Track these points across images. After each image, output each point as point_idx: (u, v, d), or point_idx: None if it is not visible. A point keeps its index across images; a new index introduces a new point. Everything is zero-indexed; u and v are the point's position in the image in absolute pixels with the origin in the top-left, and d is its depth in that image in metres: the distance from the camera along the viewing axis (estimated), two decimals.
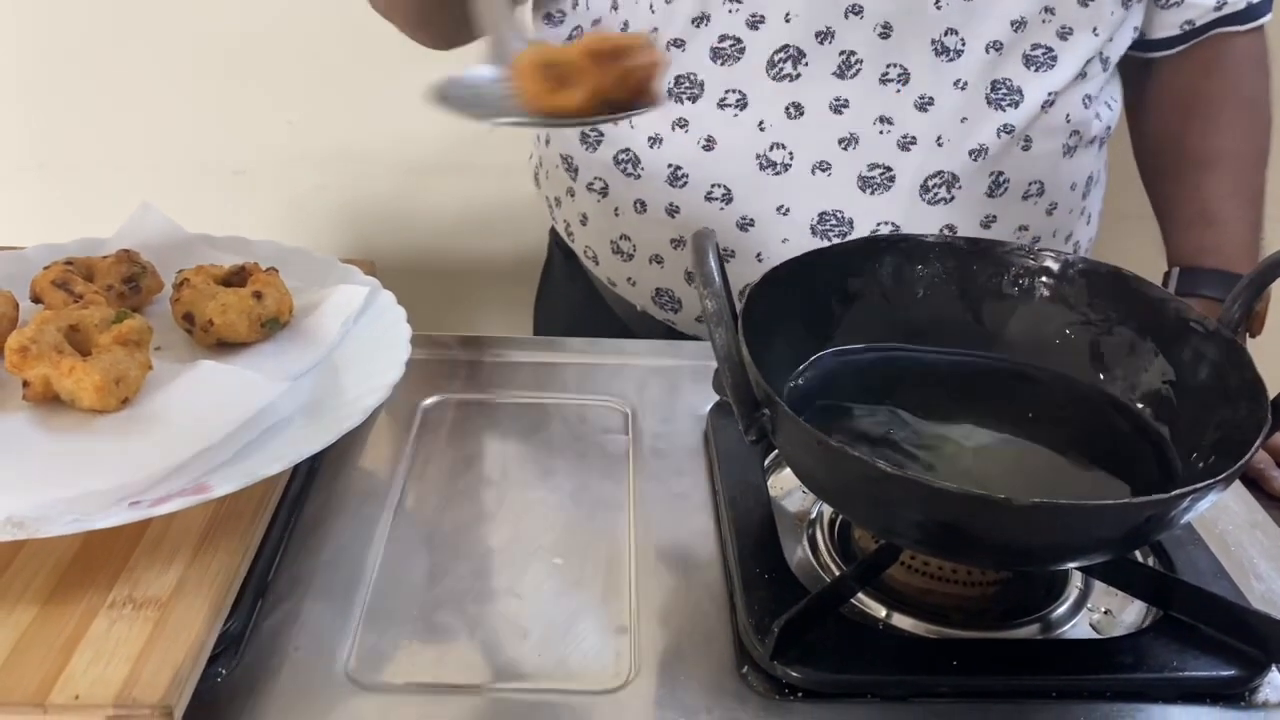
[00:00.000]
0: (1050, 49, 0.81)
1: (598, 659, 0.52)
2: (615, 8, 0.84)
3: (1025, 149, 0.82)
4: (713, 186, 0.82)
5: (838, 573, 0.57)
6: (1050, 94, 0.81)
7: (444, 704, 0.49)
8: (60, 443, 0.54)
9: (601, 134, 0.87)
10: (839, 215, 0.82)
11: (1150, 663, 0.52)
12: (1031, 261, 0.65)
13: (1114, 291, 0.63)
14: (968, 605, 0.56)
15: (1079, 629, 0.56)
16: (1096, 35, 0.82)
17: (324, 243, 1.27)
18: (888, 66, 0.79)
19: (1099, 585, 0.58)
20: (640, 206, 0.86)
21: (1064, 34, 0.81)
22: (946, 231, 0.82)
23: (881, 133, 0.80)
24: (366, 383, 0.58)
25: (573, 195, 0.91)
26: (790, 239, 0.83)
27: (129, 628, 0.45)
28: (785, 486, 0.64)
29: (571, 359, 0.76)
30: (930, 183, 0.81)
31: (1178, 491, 0.46)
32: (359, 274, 0.68)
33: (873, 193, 0.81)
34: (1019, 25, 0.79)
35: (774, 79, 0.79)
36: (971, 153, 0.81)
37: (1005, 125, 0.80)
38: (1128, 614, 0.57)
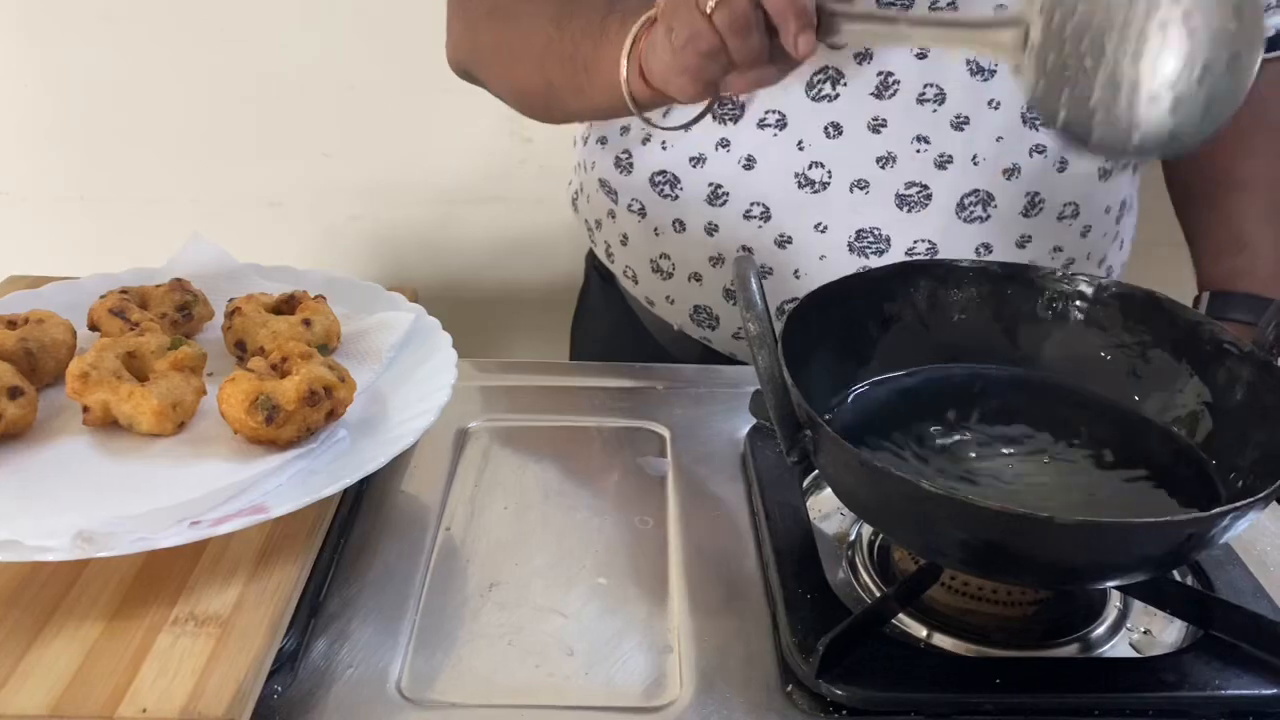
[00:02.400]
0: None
1: (644, 677, 0.52)
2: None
3: (1060, 170, 0.83)
4: (751, 205, 0.84)
5: (878, 594, 0.58)
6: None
7: None
8: (120, 465, 0.56)
9: (631, 159, 0.89)
10: (876, 233, 0.83)
11: (1192, 681, 0.52)
12: (1066, 286, 0.66)
13: (1148, 314, 0.63)
14: (1008, 625, 0.57)
15: (1119, 649, 0.56)
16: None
17: (359, 273, 1.29)
18: (924, 86, 0.80)
19: (1138, 605, 0.58)
20: (679, 226, 0.87)
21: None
22: (982, 250, 0.83)
23: (919, 151, 0.81)
24: (416, 405, 0.60)
25: (614, 217, 0.93)
26: (828, 256, 0.84)
27: (192, 643, 0.47)
28: (824, 509, 0.65)
29: (609, 383, 0.77)
30: (966, 201, 0.82)
31: (1219, 510, 0.47)
32: (403, 300, 0.70)
33: (910, 211, 0.82)
34: None
35: (813, 99, 0.80)
36: (1006, 172, 0.82)
37: (1038, 145, 0.81)
38: (1167, 634, 0.57)
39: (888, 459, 0.58)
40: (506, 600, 0.57)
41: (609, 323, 1.00)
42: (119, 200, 1.33)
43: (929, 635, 0.56)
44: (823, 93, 0.80)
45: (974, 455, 0.61)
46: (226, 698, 0.44)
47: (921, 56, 0.80)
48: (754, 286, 0.52)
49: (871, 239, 0.83)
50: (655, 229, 0.89)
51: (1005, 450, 0.61)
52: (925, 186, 0.81)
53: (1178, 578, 0.59)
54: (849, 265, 0.84)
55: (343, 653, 0.53)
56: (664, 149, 0.86)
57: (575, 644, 0.54)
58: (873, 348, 0.65)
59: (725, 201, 0.85)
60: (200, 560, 0.51)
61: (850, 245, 0.84)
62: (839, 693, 0.51)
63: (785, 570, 0.57)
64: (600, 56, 0.74)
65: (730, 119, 0.82)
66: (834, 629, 0.51)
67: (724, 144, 0.83)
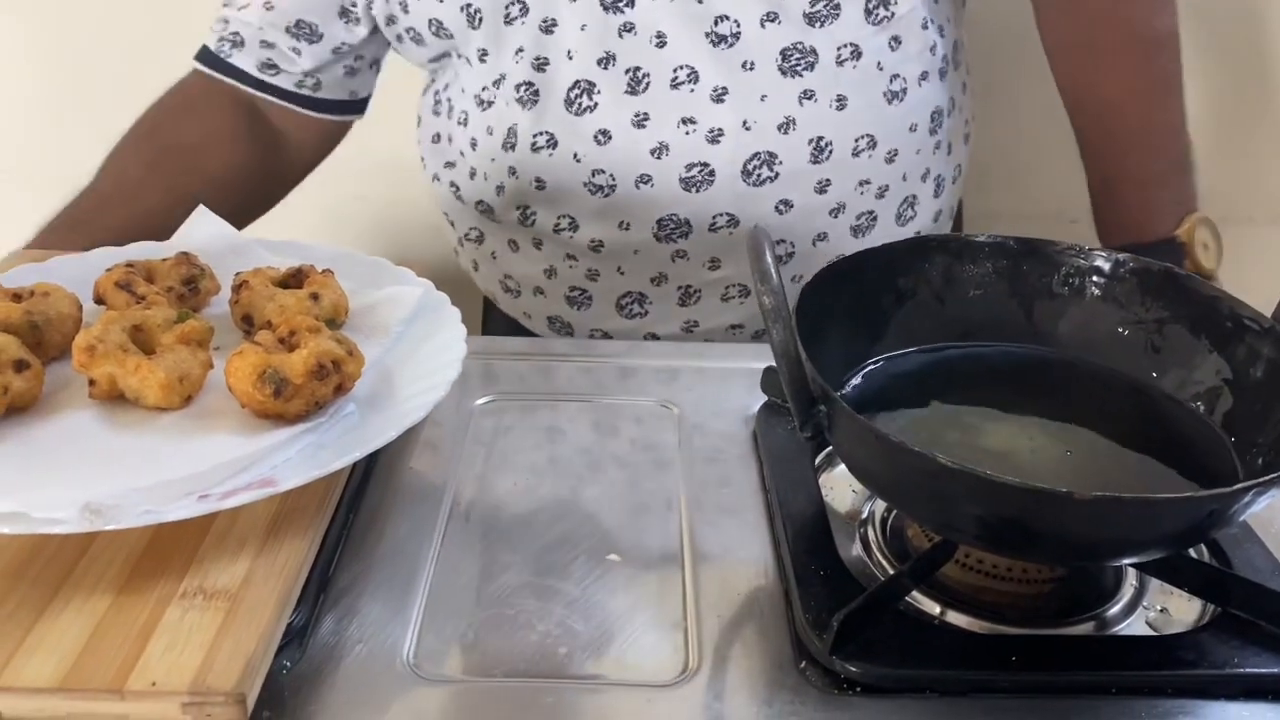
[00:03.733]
0: (830, 0, 0.81)
1: (655, 653, 0.52)
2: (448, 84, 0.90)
3: (840, 108, 0.83)
4: (559, 218, 0.87)
5: (892, 571, 0.58)
6: (842, 46, 0.81)
7: (506, 696, 0.49)
8: (126, 439, 0.55)
9: (458, 188, 0.92)
10: (675, 218, 0.85)
11: (1211, 659, 0.51)
12: (1082, 261, 0.65)
13: (1166, 289, 0.62)
14: (1023, 603, 0.56)
15: (1135, 627, 0.56)
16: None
17: (363, 251, 1.29)
18: (674, 70, 0.81)
19: (1154, 583, 0.58)
20: (513, 246, 0.91)
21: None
22: (783, 207, 0.85)
23: (688, 134, 0.82)
24: (426, 380, 0.59)
25: (462, 244, 0.98)
26: (640, 250, 0.87)
27: (201, 617, 0.46)
28: (835, 485, 0.64)
29: (618, 360, 0.77)
30: (750, 166, 0.82)
31: (1241, 485, 0.46)
32: (411, 275, 0.69)
33: (697, 191, 0.83)
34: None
35: (575, 114, 0.82)
36: (779, 127, 0.82)
37: (805, 91, 0.81)
38: (1184, 612, 0.57)
39: (901, 435, 0.57)
40: (517, 576, 0.56)
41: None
42: None
43: (942, 612, 0.56)
44: (583, 106, 0.82)
45: (988, 431, 0.60)
46: (236, 671, 0.44)
47: (661, 44, 0.80)
48: (768, 259, 0.51)
49: (673, 224, 0.85)
50: (493, 253, 0.94)
51: (1020, 427, 0.61)
52: (705, 164, 0.82)
53: (1194, 555, 0.59)
54: (663, 252, 0.87)
55: (352, 628, 0.52)
56: (484, 180, 0.89)
57: (586, 620, 0.54)
58: (887, 323, 0.64)
59: (534, 219, 0.87)
60: (208, 534, 0.51)
61: (656, 235, 0.86)
62: (853, 669, 0.50)
63: (798, 547, 0.57)
64: None
65: (509, 147, 0.85)
66: (848, 606, 0.51)
67: (512, 172, 0.86)
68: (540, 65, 0.82)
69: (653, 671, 0.51)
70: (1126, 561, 0.56)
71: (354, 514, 0.60)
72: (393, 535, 0.59)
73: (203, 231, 0.73)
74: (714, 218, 0.84)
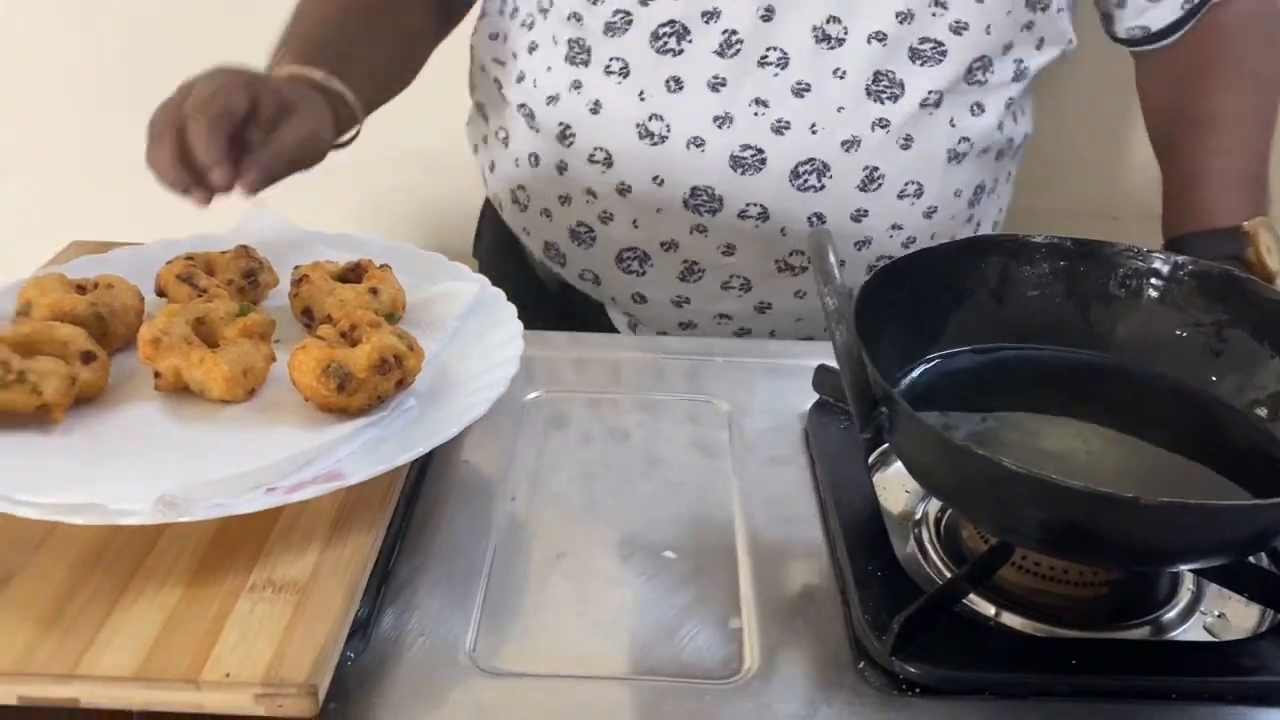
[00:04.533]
0: (940, 44, 0.81)
1: (713, 651, 0.52)
2: None
3: (904, 147, 0.82)
4: (595, 149, 0.85)
5: (946, 572, 0.58)
6: (932, 92, 0.82)
7: (568, 690, 0.50)
8: (192, 431, 0.56)
9: (503, 90, 0.92)
10: (710, 191, 0.84)
11: (1271, 667, 0.51)
12: (1140, 263, 0.64)
13: (1226, 293, 0.62)
14: (1078, 606, 0.56)
15: (1192, 633, 0.56)
16: (989, 35, 0.82)
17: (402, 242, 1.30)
18: (767, 50, 0.80)
19: (1212, 588, 0.57)
20: (534, 160, 0.89)
21: (958, 29, 0.81)
22: (814, 219, 0.84)
23: (756, 115, 0.81)
24: (485, 376, 0.59)
25: (486, 142, 0.96)
26: (664, 210, 0.86)
27: (271, 609, 0.47)
28: (887, 485, 0.64)
29: (668, 357, 0.77)
30: (801, 169, 0.82)
31: None
32: (466, 271, 0.70)
33: (743, 173, 0.83)
34: (905, 18, 0.80)
35: (657, 52, 0.81)
36: (844, 144, 0.81)
37: (881, 119, 0.81)
38: (1242, 618, 0.56)
39: (958, 436, 0.57)
40: (574, 571, 0.57)
41: (492, 245, 1.03)
42: None
43: (997, 614, 0.56)
44: (667, 46, 0.81)
45: (1045, 434, 0.60)
46: (308, 663, 0.44)
47: (767, 18, 0.79)
48: (831, 260, 0.51)
49: (705, 197, 0.84)
50: (515, 160, 0.91)
51: (1075, 430, 0.61)
52: (760, 150, 0.82)
53: (1254, 561, 0.59)
54: (684, 221, 0.86)
55: (413, 621, 0.53)
56: (533, 85, 0.88)
57: (644, 616, 0.54)
58: (943, 323, 0.64)
59: (572, 142, 0.86)
60: (275, 527, 0.52)
61: (685, 201, 0.85)
62: (912, 671, 0.50)
63: (854, 547, 0.57)
64: None
65: (580, 62, 0.84)
66: (908, 607, 0.51)
67: (576, 85, 0.85)
68: None
69: (711, 669, 0.51)
70: (1187, 567, 0.56)
71: (411, 508, 0.60)
72: (449, 530, 0.59)
73: (260, 225, 0.74)
74: (747, 205, 0.84)
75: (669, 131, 0.82)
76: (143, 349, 0.57)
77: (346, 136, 0.79)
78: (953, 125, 0.84)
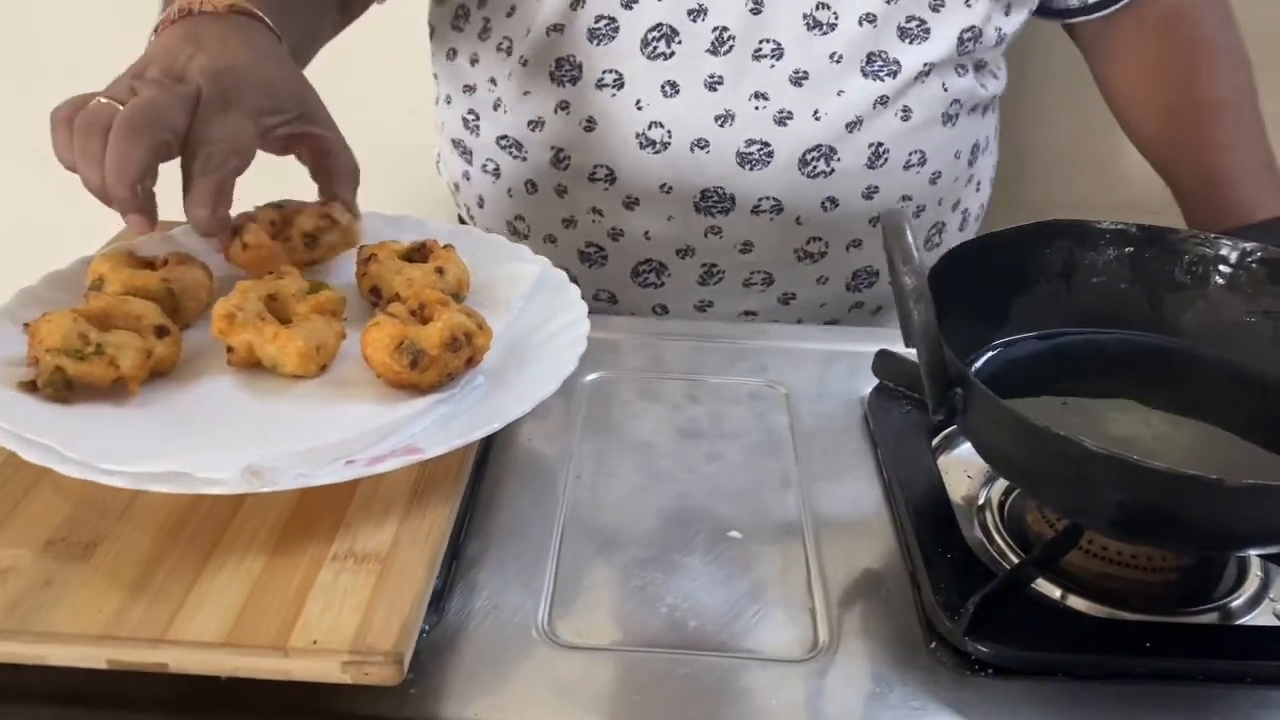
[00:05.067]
0: (923, 20, 0.81)
1: (785, 629, 0.53)
2: (510, 10, 0.85)
3: (904, 119, 0.82)
4: (595, 167, 0.84)
5: (1011, 556, 0.58)
6: (926, 64, 0.82)
7: (642, 665, 0.50)
8: (267, 405, 0.56)
9: (479, 120, 0.89)
10: (720, 191, 0.83)
11: None
12: (1207, 249, 0.64)
13: None
14: (1146, 590, 0.56)
15: (1262, 619, 0.55)
16: (969, 7, 0.82)
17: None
18: (760, 42, 0.80)
19: None
20: (531, 187, 0.88)
21: (936, 6, 0.81)
22: (828, 204, 0.84)
23: (757, 109, 0.81)
24: (553, 356, 0.60)
25: (469, 179, 0.94)
26: (675, 216, 0.84)
27: (354, 579, 0.47)
28: (950, 469, 0.64)
29: (722, 340, 0.77)
30: (809, 156, 0.81)
31: None
32: (527, 253, 0.70)
33: (751, 169, 0.82)
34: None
35: (649, 58, 0.80)
36: (849, 125, 0.81)
37: (881, 97, 0.81)
38: None
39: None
40: (642, 550, 0.57)
41: None
42: None
43: (1063, 596, 0.56)
44: (658, 50, 0.80)
45: (1110, 419, 0.60)
46: (393, 632, 0.45)
47: (756, 11, 0.79)
48: (909, 239, 0.51)
49: (716, 198, 0.83)
50: (509, 190, 0.89)
51: (1141, 415, 0.60)
52: (766, 144, 0.81)
53: None
54: (698, 225, 0.85)
55: (484, 596, 0.53)
56: (504, 113, 0.86)
57: (713, 595, 0.54)
58: (1009, 308, 0.64)
59: (569, 164, 0.84)
60: (354, 500, 0.52)
61: (696, 205, 0.84)
62: (985, 651, 0.50)
63: (923, 529, 0.57)
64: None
65: (569, 80, 0.82)
66: (981, 589, 0.51)
67: (563, 106, 0.83)
68: (629, 2, 0.80)
69: (784, 648, 0.52)
70: (1260, 551, 0.56)
71: (478, 485, 0.61)
72: (516, 507, 0.60)
73: None
74: (759, 200, 0.83)
75: (671, 137, 0.81)
76: (216, 324, 0.58)
77: None
78: (945, 89, 0.84)
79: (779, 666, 0.51)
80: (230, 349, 0.58)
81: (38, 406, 0.54)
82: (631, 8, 0.80)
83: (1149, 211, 1.07)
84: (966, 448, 0.65)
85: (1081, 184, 1.31)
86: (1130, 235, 0.65)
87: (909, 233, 0.52)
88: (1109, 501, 0.50)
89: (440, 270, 0.64)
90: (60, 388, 0.54)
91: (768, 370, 0.74)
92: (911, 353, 0.55)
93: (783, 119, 0.81)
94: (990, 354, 0.64)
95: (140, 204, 0.58)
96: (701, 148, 0.81)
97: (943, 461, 0.65)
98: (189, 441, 0.52)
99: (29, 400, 0.54)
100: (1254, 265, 0.63)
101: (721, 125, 0.81)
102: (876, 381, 0.70)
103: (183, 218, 0.77)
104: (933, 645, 0.52)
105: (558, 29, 0.82)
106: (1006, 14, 0.87)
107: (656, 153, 0.82)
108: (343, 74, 1.27)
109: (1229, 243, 0.64)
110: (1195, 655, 0.51)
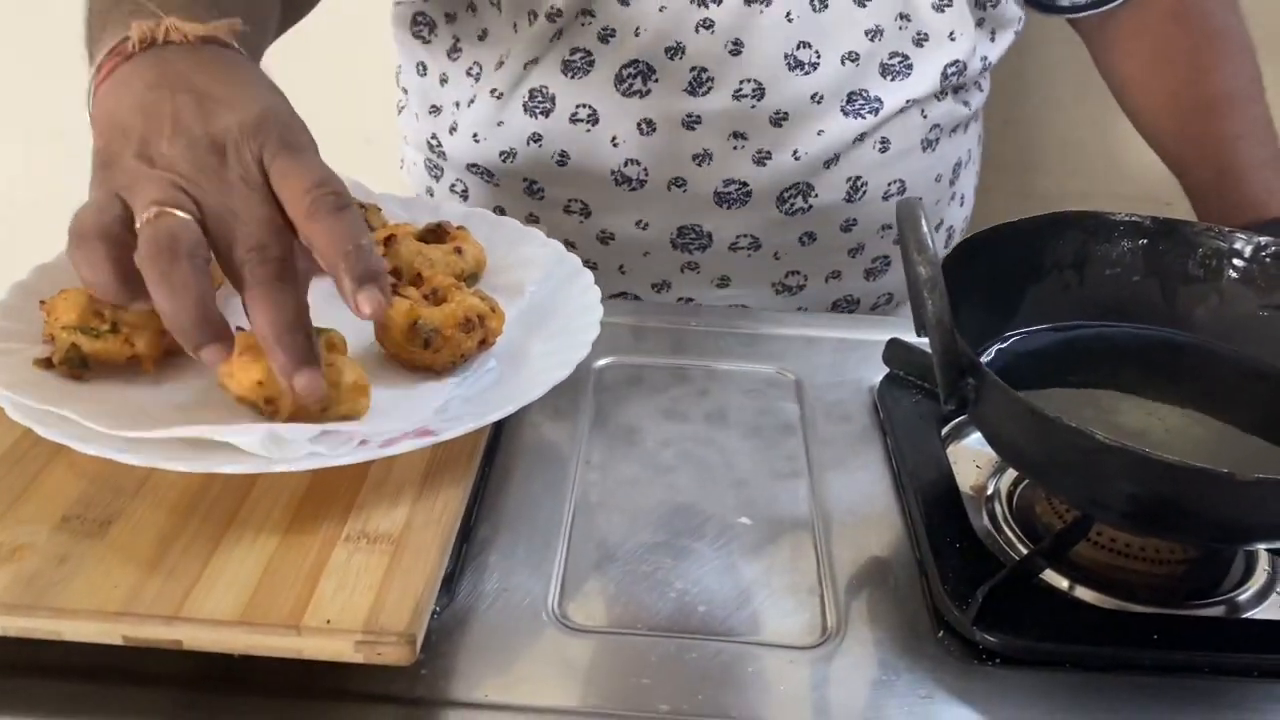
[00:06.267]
0: (906, 57, 0.80)
1: (794, 615, 0.53)
2: (482, 34, 0.83)
3: (882, 150, 0.81)
4: (570, 200, 0.82)
5: (1020, 546, 0.58)
6: (909, 100, 0.81)
7: (652, 649, 0.50)
8: None
9: (442, 146, 0.85)
10: (697, 229, 0.82)
11: None
12: (1221, 243, 0.64)
13: None
14: (1154, 582, 0.56)
15: (1271, 612, 0.56)
16: (954, 40, 0.81)
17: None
18: (741, 82, 0.78)
19: None
20: (500, 212, 0.84)
21: (919, 41, 0.80)
22: (806, 239, 0.83)
23: (735, 148, 0.79)
24: (565, 339, 0.60)
25: (432, 195, 0.92)
26: (651, 253, 0.83)
27: (367, 560, 0.48)
28: (959, 459, 0.64)
29: (732, 327, 0.77)
30: (786, 194, 0.81)
31: None
32: (541, 237, 0.70)
33: (729, 207, 0.81)
34: (875, 35, 0.79)
35: (624, 95, 0.78)
36: (826, 163, 0.80)
37: (860, 134, 0.80)
38: None
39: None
40: (651, 535, 0.57)
41: None
42: None
43: (1071, 587, 0.56)
44: (633, 88, 0.78)
45: (1122, 411, 0.60)
46: (406, 613, 0.45)
47: (735, 51, 0.77)
48: (924, 228, 0.51)
49: (694, 234, 0.82)
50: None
51: (1152, 409, 0.60)
52: (744, 184, 0.80)
53: None
54: (674, 261, 0.84)
55: (495, 577, 0.54)
56: (475, 141, 0.83)
57: (722, 580, 0.55)
58: (1021, 300, 0.64)
59: (543, 196, 0.83)
60: (366, 481, 0.52)
61: (673, 241, 0.83)
62: (994, 641, 0.50)
63: (932, 519, 0.57)
64: (93, 45, 0.56)
65: (541, 113, 0.80)
66: (989, 579, 0.51)
67: (535, 139, 0.81)
68: (606, 35, 0.78)
69: (792, 634, 0.52)
70: (1271, 545, 0.56)
71: (487, 471, 0.61)
72: (526, 491, 0.60)
73: None
74: (737, 237, 0.83)
75: (647, 175, 0.80)
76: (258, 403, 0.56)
77: None
78: (924, 116, 0.83)
79: (786, 653, 0.51)
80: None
81: (53, 383, 0.54)
82: (608, 42, 0.78)
83: (1163, 203, 1.07)
84: (976, 437, 0.65)
85: (1095, 174, 1.31)
86: (1144, 227, 0.65)
87: (924, 221, 0.52)
88: (1119, 493, 0.50)
89: (459, 250, 0.64)
90: (76, 365, 0.55)
91: (778, 358, 0.74)
92: (922, 342, 0.55)
93: (761, 159, 0.80)
94: (1002, 345, 0.64)
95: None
96: (679, 186, 0.80)
97: (952, 451, 0.65)
98: (205, 419, 0.52)
99: (46, 377, 0.54)
100: (1268, 259, 0.63)
101: (699, 164, 0.80)
102: (887, 370, 0.70)
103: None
104: (940, 634, 0.52)
105: (534, 62, 0.80)
106: (992, 39, 0.86)
107: (632, 189, 0.81)
108: (335, 66, 1.27)
109: (1243, 236, 0.64)
110: (1203, 648, 0.51)
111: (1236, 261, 0.64)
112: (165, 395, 0.55)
